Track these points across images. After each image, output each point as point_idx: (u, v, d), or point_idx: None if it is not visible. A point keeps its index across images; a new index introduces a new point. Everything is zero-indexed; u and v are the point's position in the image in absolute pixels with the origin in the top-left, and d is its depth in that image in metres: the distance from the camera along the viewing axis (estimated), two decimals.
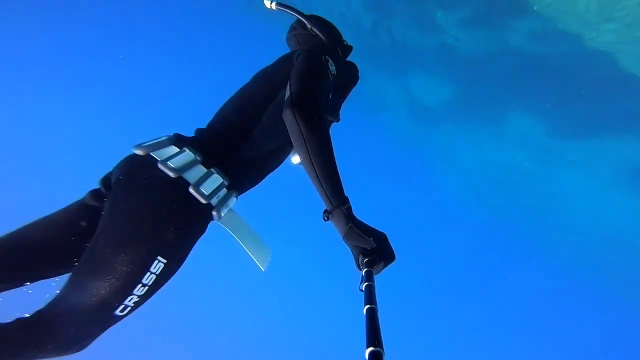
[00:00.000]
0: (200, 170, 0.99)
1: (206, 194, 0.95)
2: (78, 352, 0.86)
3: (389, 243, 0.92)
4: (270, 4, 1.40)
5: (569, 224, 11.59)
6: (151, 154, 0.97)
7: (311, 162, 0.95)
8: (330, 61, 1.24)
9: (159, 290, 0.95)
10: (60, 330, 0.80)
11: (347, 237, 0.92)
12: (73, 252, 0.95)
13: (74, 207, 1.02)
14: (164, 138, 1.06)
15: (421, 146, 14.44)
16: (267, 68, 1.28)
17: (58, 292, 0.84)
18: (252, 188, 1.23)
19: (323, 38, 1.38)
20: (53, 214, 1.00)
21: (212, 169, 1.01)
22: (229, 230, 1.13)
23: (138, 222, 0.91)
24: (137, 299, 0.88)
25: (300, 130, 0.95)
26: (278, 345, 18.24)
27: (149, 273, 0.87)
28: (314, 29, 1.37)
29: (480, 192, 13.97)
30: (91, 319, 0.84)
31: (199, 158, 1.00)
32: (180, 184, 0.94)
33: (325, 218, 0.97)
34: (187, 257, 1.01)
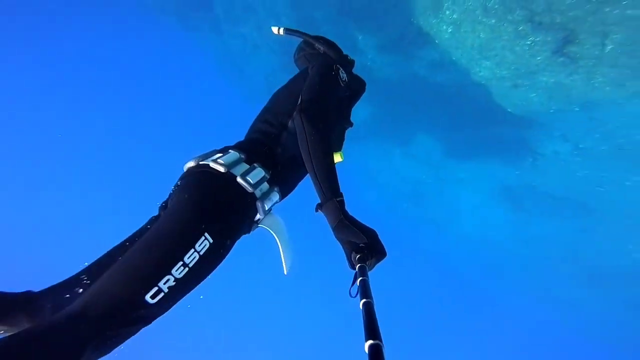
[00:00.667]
0: (244, 165, 1.09)
1: (252, 182, 1.05)
2: (101, 351, 0.74)
3: (379, 239, 0.92)
4: (278, 30, 1.54)
5: (460, 232, 13.31)
6: (200, 162, 1.07)
7: (310, 158, 1.02)
8: (341, 69, 1.38)
9: (197, 285, 0.90)
10: (86, 312, 0.71)
11: (337, 229, 0.93)
12: None
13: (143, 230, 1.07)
14: (209, 151, 1.17)
15: (343, 161, 15.10)
16: (287, 84, 1.41)
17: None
18: (291, 192, 1.30)
19: (331, 54, 1.48)
20: (128, 239, 1.04)
21: (255, 164, 1.11)
22: (271, 230, 1.19)
23: (190, 203, 0.94)
24: (174, 284, 0.80)
25: (304, 130, 1.05)
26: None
27: (193, 250, 0.84)
28: (321, 47, 1.49)
29: (395, 205, 15.21)
30: (120, 299, 0.74)
31: (243, 156, 1.11)
32: (230, 176, 1.03)
33: (317, 209, 1.00)
34: (228, 255, 1.01)
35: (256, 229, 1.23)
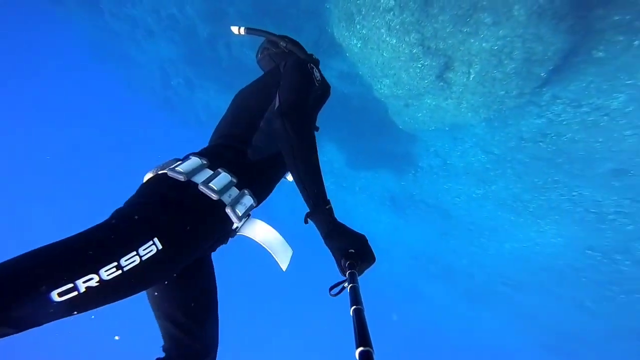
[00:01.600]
0: (207, 172, 1.02)
1: (216, 189, 0.97)
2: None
3: (369, 245, 0.91)
4: (239, 30, 1.47)
5: None
6: (159, 172, 1.00)
7: (296, 165, 0.97)
8: (315, 68, 1.33)
9: (122, 297, 0.74)
10: None
11: (328, 236, 0.91)
12: None
13: None
14: (168, 160, 1.08)
15: None
16: (254, 84, 1.34)
17: None
18: (270, 194, 1.23)
19: (297, 53, 1.43)
20: None
21: (220, 169, 1.04)
22: (250, 236, 1.14)
23: (143, 204, 0.87)
24: (95, 286, 0.64)
25: (288, 136, 0.98)
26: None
27: (134, 252, 0.72)
28: (287, 46, 1.44)
29: (301, 212, 15.56)
30: (16, 279, 0.58)
31: (205, 162, 1.04)
32: (190, 184, 0.96)
33: (307, 220, 0.96)
34: (179, 270, 0.93)
35: (235, 237, 1.17)
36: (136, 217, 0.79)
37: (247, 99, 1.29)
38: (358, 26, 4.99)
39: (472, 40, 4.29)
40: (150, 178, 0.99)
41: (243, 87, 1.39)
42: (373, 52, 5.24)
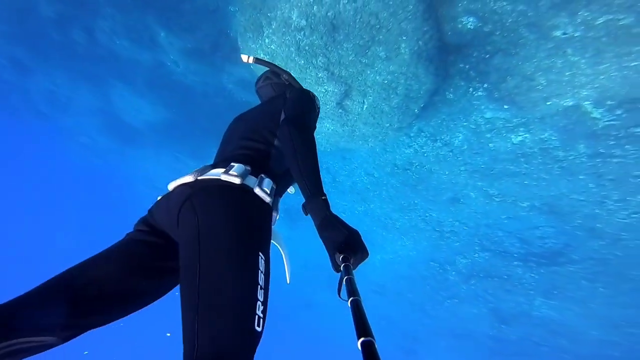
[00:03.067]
0: (253, 178, 1.08)
1: (268, 192, 1.06)
2: None
3: (362, 239, 0.91)
4: (248, 59, 1.56)
5: None
6: (202, 177, 1.04)
7: (296, 158, 1.02)
8: (317, 97, 1.48)
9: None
10: None
11: (323, 226, 0.91)
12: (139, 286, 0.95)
13: (126, 245, 1.01)
14: (201, 167, 1.14)
15: (119, 162, 12.36)
16: (260, 108, 1.46)
17: (188, 333, 0.76)
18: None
19: (296, 86, 1.55)
20: (103, 255, 0.97)
21: (262, 175, 1.10)
22: (277, 245, 1.19)
23: (232, 230, 0.90)
24: (263, 307, 0.84)
25: (290, 136, 1.07)
26: None
27: (260, 271, 0.87)
28: (288, 79, 1.57)
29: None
30: (240, 344, 0.76)
31: (248, 168, 1.09)
32: (246, 188, 1.03)
33: (305, 209, 0.99)
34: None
35: None
36: (244, 241, 0.88)
37: (261, 119, 1.35)
38: (267, 40, 4.78)
39: (369, 72, 4.62)
40: (209, 185, 1.00)
41: (247, 111, 1.50)
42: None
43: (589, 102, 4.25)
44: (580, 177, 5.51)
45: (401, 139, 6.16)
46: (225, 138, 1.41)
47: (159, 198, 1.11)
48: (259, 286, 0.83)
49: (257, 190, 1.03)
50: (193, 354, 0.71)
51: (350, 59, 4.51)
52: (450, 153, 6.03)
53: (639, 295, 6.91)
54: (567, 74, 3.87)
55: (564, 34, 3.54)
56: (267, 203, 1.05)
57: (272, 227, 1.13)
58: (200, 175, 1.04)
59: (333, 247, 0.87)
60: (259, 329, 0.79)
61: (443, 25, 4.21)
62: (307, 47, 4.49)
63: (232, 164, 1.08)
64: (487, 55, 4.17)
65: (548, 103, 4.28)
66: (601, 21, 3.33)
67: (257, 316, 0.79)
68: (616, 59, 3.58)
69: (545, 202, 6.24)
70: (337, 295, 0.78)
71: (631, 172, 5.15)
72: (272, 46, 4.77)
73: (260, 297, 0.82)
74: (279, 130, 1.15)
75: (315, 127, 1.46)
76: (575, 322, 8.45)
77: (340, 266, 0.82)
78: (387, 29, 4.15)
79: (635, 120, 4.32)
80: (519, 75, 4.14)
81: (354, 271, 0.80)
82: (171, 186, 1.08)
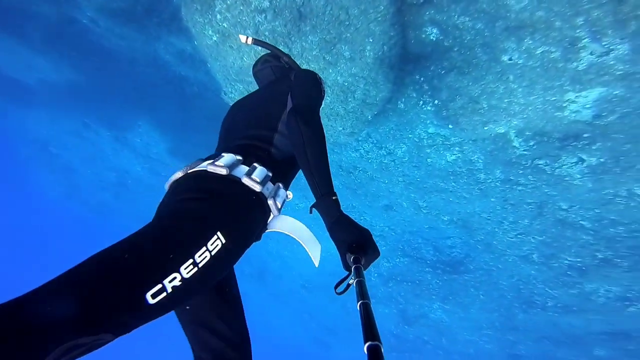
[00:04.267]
0: (244, 167, 0.98)
1: (259, 180, 0.94)
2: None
3: (373, 239, 0.84)
4: (247, 39, 1.45)
5: None
6: (192, 170, 0.93)
7: (306, 156, 0.93)
8: (323, 80, 1.33)
9: (198, 292, 0.76)
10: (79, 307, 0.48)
11: (335, 227, 0.85)
12: None
13: None
14: (193, 161, 1.02)
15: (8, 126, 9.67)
16: (262, 93, 1.32)
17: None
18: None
19: (296, 69, 1.39)
20: None
21: (255, 164, 1.00)
22: (287, 232, 1.06)
23: (199, 200, 0.81)
24: (179, 285, 0.63)
25: (300, 129, 0.95)
26: None
27: (205, 248, 0.70)
28: (289, 61, 1.42)
29: (82, 191, 11.09)
30: (115, 292, 0.54)
31: (240, 158, 0.99)
32: (233, 178, 0.91)
33: (312, 210, 0.92)
34: (240, 259, 0.87)
35: (264, 234, 1.06)
36: (196, 214, 0.75)
37: (263, 105, 1.23)
38: (218, 16, 3.87)
39: (331, 71, 4.01)
40: (189, 175, 0.90)
41: (247, 97, 1.37)
42: (231, 52, 4.19)
43: (514, 131, 4.38)
44: (492, 199, 5.81)
45: (349, 142, 5.71)
46: (225, 127, 1.28)
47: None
48: (191, 260, 0.64)
49: (245, 180, 0.91)
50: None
51: (314, 53, 3.88)
52: (392, 163, 5.83)
53: (501, 302, 7.72)
54: (505, 100, 3.89)
55: (510, 59, 3.51)
56: (258, 192, 0.93)
57: (279, 215, 1.02)
58: (190, 169, 0.93)
59: (344, 248, 0.82)
60: (151, 301, 0.56)
61: (408, 32, 3.90)
62: (267, 33, 3.81)
63: (222, 154, 0.97)
64: (443, 71, 4.00)
65: (485, 128, 4.30)
66: (539, 51, 3.35)
67: (159, 285, 0.58)
68: (542, 91, 3.68)
69: (461, 217, 6.48)
70: (334, 290, 0.74)
71: (526, 199, 5.56)
72: (224, 24, 3.91)
73: (184, 272, 0.62)
74: (287, 120, 1.01)
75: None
76: (457, 324, 9.18)
77: (351, 267, 0.74)
78: (356, 27, 3.63)
79: (541, 152, 4.62)
80: (467, 96, 4.05)
81: (364, 271, 0.74)
82: (166, 185, 0.96)
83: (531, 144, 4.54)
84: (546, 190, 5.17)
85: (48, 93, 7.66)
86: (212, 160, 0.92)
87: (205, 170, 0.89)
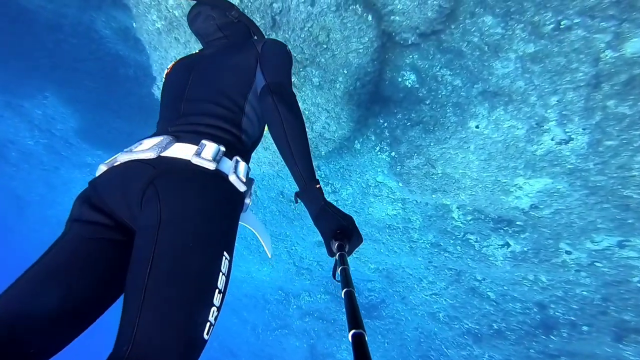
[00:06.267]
0: (228, 161, 0.78)
1: (244, 181, 0.78)
2: None
3: (356, 226, 0.74)
4: None
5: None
6: (165, 154, 0.71)
7: (288, 143, 0.76)
8: (289, 49, 1.03)
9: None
10: None
11: (319, 216, 0.73)
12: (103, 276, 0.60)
13: (81, 250, 0.61)
14: (160, 137, 0.75)
15: None
16: (225, 61, 0.96)
17: (125, 328, 0.47)
18: None
19: (248, 25, 1.11)
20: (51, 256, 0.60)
21: (236, 158, 0.80)
22: (247, 225, 0.91)
23: (198, 223, 0.62)
24: (217, 314, 0.58)
25: (279, 115, 0.77)
26: None
27: (221, 274, 0.61)
28: (238, 16, 1.10)
29: None
30: (184, 352, 0.49)
31: (223, 149, 0.78)
32: (220, 174, 0.74)
33: (297, 199, 0.78)
34: None
35: None
36: (208, 237, 0.61)
37: (227, 80, 0.91)
38: (171, 1, 2.66)
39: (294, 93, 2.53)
40: (174, 168, 0.66)
41: (201, 61, 0.98)
42: (176, 45, 2.90)
43: (457, 205, 3.61)
44: (419, 258, 5.04)
45: None
46: (177, 96, 0.91)
47: (102, 168, 0.71)
48: (218, 290, 0.58)
49: (233, 178, 0.74)
50: (126, 350, 0.44)
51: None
52: (335, 202, 4.66)
53: (401, 352, 7.12)
54: (460, 171, 3.10)
55: (477, 127, 2.76)
56: (241, 192, 0.76)
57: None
58: (163, 152, 0.70)
59: (329, 235, 0.71)
60: (206, 337, 0.54)
61: (385, 71, 2.97)
62: None
63: (203, 142, 0.74)
64: (409, 123, 3.11)
65: (433, 195, 3.42)
66: (507, 125, 2.64)
67: (208, 323, 0.55)
68: (497, 170, 2.97)
69: (386, 267, 5.58)
70: (333, 278, 0.64)
71: (448, 264, 4.90)
72: (175, 12, 2.69)
73: (217, 302, 0.57)
74: (261, 102, 0.80)
75: None
76: None
77: (335, 254, 0.66)
78: (334, 53, 2.57)
79: (475, 228, 4.01)
80: (425, 156, 3.18)
81: (348, 258, 0.64)
82: (123, 158, 0.70)
83: (468, 218, 3.93)
84: (468, 262, 4.62)
85: None
86: (195, 150, 0.70)
87: (189, 162, 0.68)
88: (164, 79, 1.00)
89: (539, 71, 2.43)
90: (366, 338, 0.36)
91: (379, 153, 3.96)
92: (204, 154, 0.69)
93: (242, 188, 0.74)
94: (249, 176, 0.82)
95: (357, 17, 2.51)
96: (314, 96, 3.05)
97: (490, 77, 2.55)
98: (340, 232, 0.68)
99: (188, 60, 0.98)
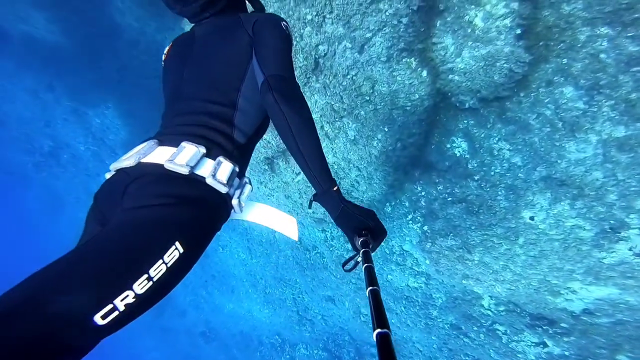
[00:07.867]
0: (209, 162, 0.65)
1: (224, 181, 0.64)
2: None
3: (378, 220, 0.66)
4: None
5: None
6: (146, 161, 0.62)
7: (297, 146, 0.63)
8: (287, 24, 0.80)
9: (155, 304, 0.50)
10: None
11: (340, 218, 0.65)
12: None
13: None
14: (145, 144, 0.66)
15: None
16: (216, 51, 0.78)
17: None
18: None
19: (257, 6, 0.92)
20: None
21: (220, 158, 0.67)
22: (251, 220, 0.78)
23: (158, 209, 0.54)
24: (132, 302, 0.44)
25: (284, 116, 0.63)
26: None
27: (161, 261, 0.49)
28: None
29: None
30: (58, 315, 0.38)
31: (203, 151, 0.65)
32: (197, 178, 0.63)
33: (311, 204, 0.68)
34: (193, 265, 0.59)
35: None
36: (152, 224, 0.51)
37: (217, 69, 0.75)
38: None
39: (325, 144, 2.57)
40: (145, 172, 0.59)
41: (186, 38, 0.84)
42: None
43: (490, 295, 2.87)
44: (433, 337, 4.04)
45: (319, 221, 3.88)
46: (174, 92, 0.78)
47: (107, 176, 0.65)
48: (146, 276, 0.45)
49: (210, 181, 0.61)
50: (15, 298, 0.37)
51: (314, 115, 2.21)
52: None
53: None
54: (501, 263, 2.49)
55: (531, 218, 2.22)
56: (222, 194, 0.64)
57: (244, 203, 0.72)
58: (143, 158, 0.61)
59: (352, 233, 0.63)
60: (99, 322, 0.40)
61: (433, 134, 2.56)
62: None
63: (182, 144, 0.63)
64: (450, 198, 2.62)
65: (463, 281, 2.74)
66: (570, 223, 2.06)
67: (111, 305, 0.41)
68: (547, 270, 2.33)
69: (396, 339, 4.46)
70: (342, 268, 0.63)
71: (466, 350, 3.87)
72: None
73: (138, 289, 0.43)
74: (263, 99, 0.64)
75: None
76: None
77: (360, 251, 0.58)
78: (375, 107, 2.24)
79: (506, 320, 3.16)
80: (462, 239, 2.63)
81: (373, 253, 0.59)
82: (113, 167, 0.63)
83: (501, 309, 3.15)
84: (490, 353, 3.62)
85: (25, 46, 5.18)
86: (170, 156, 0.60)
87: (162, 167, 0.59)
88: (162, 63, 0.86)
89: (627, 163, 1.70)
90: (392, 337, 0.32)
91: (410, 222, 3.42)
92: (177, 158, 0.59)
93: (222, 190, 0.62)
94: (246, 175, 0.73)
95: (410, 71, 2.02)
96: (347, 151, 2.57)
97: (559, 161, 1.88)
98: (364, 229, 0.61)
99: (182, 48, 0.83)
